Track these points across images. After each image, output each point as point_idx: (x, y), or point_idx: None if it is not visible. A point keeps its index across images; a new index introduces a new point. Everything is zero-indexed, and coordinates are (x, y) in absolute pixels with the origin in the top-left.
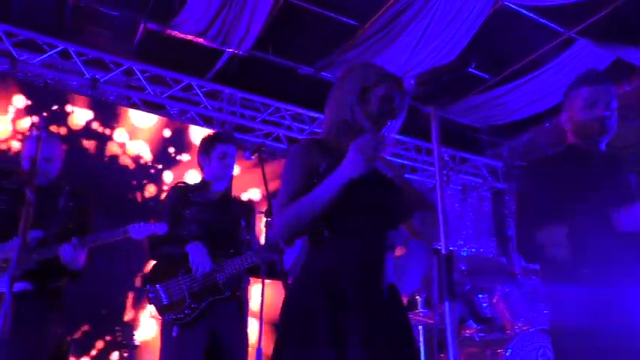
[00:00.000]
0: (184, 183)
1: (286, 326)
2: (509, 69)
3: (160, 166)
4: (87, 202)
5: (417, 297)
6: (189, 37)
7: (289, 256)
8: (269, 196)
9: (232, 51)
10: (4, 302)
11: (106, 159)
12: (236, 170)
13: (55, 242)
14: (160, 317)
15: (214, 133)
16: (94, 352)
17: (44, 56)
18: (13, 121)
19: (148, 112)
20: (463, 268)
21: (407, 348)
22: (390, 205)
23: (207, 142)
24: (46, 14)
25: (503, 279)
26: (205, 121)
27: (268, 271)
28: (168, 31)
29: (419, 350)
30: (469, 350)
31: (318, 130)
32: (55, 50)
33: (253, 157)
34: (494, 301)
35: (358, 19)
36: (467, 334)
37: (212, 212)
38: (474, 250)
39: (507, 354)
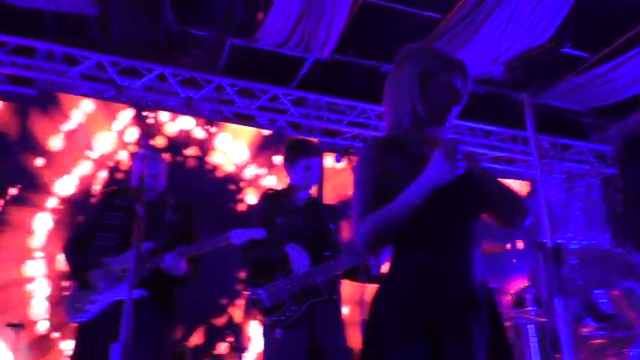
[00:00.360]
0: (273, 189)
1: (377, 327)
2: (611, 44)
3: (259, 173)
4: (190, 213)
5: (525, 294)
6: (273, 49)
7: (385, 258)
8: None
9: (314, 57)
10: (125, 309)
11: (206, 169)
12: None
13: (164, 252)
14: (262, 319)
15: (299, 145)
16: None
17: (144, 80)
18: (120, 139)
19: (240, 124)
20: (574, 261)
21: (501, 343)
22: (470, 198)
23: (291, 152)
24: (142, 42)
25: (622, 272)
26: (294, 128)
27: (363, 274)
28: (253, 45)
29: (512, 347)
30: (588, 349)
31: None
32: (153, 74)
33: (343, 160)
34: (614, 296)
35: (439, 10)
36: (584, 333)
37: (302, 217)
38: (585, 242)
39: (633, 354)
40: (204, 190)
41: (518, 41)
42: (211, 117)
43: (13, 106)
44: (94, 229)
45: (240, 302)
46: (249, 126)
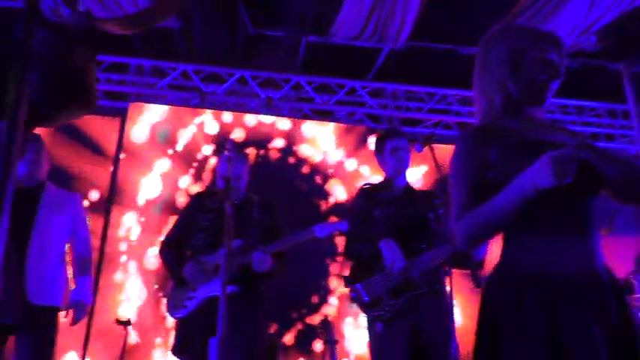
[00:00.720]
0: (370, 184)
1: (489, 319)
2: None
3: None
4: (274, 211)
5: (633, 280)
6: (348, 42)
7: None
8: (444, 185)
9: (390, 47)
10: (220, 304)
11: (290, 163)
12: None
13: (252, 250)
14: (364, 315)
15: (382, 131)
16: (296, 349)
17: (225, 85)
18: (203, 138)
19: (319, 120)
20: None
21: (629, 338)
22: (582, 181)
23: (378, 141)
24: (221, 48)
25: None
26: (372, 120)
27: (461, 261)
28: (328, 40)
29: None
30: None
31: None
32: (233, 78)
33: (424, 149)
34: None
35: None
36: None
37: (398, 208)
38: None
39: None
40: (289, 185)
41: (611, 7)
42: (291, 115)
43: (109, 120)
44: (187, 231)
45: (333, 298)
46: (328, 121)
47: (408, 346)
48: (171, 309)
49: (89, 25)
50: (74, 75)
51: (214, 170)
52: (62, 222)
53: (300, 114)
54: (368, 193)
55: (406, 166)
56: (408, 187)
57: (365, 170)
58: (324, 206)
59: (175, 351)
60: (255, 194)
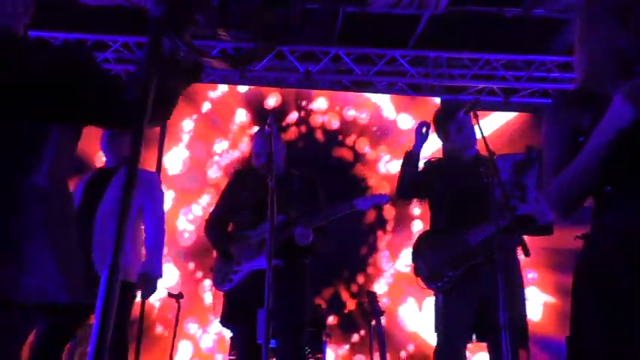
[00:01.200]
0: (435, 157)
1: (584, 291)
2: None
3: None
4: (316, 184)
5: None
6: (386, 11)
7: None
8: (491, 155)
9: (430, 13)
10: (266, 277)
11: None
12: None
13: (294, 224)
14: (426, 287)
15: (441, 112)
16: (343, 321)
17: (264, 61)
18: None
19: (359, 92)
20: None
21: None
22: None
23: (438, 123)
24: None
25: None
26: (414, 90)
27: (525, 226)
28: (366, 10)
29: None
30: None
31: (537, 75)
32: (272, 53)
33: (469, 116)
34: None
35: None
36: None
37: (459, 179)
38: None
39: None
40: (332, 159)
41: None
42: (331, 88)
43: None
44: (230, 208)
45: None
46: (368, 92)
47: (470, 316)
48: (218, 282)
49: (200, 63)
50: (172, 97)
51: (252, 146)
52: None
53: (339, 86)
54: (431, 164)
55: (474, 141)
56: (476, 156)
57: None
58: (370, 179)
59: (223, 322)
60: (297, 168)
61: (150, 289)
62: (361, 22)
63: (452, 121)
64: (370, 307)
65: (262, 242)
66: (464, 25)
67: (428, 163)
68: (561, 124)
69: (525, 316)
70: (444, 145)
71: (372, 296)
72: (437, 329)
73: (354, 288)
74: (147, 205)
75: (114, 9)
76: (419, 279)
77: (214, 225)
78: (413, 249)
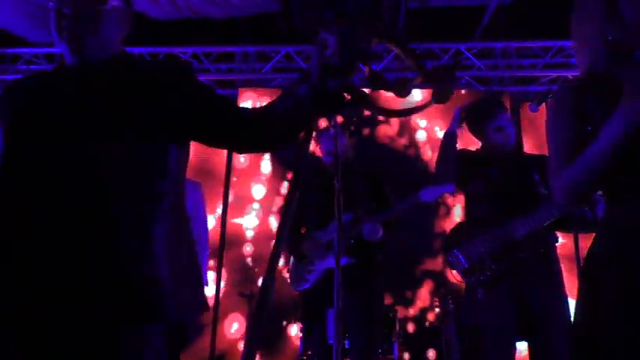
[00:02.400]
0: (469, 151)
1: (594, 280)
2: None
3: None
4: (381, 180)
5: None
6: (449, 4)
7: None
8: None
9: (496, 2)
10: (335, 278)
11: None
12: None
13: (362, 221)
14: (463, 281)
15: (478, 108)
16: (413, 319)
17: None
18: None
19: (424, 87)
20: None
21: None
22: None
23: (473, 121)
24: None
25: None
26: (481, 83)
27: (578, 223)
28: (430, 4)
29: None
30: None
31: None
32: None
33: (539, 108)
34: None
35: None
36: None
37: (500, 171)
38: None
39: None
40: (395, 155)
41: None
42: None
43: None
44: (300, 209)
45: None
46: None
47: (513, 312)
48: (294, 283)
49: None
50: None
51: (321, 145)
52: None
53: None
54: (467, 155)
55: (512, 141)
56: (514, 151)
57: None
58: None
59: (302, 321)
60: (362, 166)
61: None
62: (423, 17)
63: (488, 121)
64: (442, 308)
65: (332, 242)
66: (533, 12)
67: (464, 151)
68: (568, 112)
69: (569, 314)
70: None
71: (444, 297)
72: (476, 324)
73: (425, 285)
74: (191, 213)
75: (182, 21)
76: (454, 271)
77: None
78: (447, 239)
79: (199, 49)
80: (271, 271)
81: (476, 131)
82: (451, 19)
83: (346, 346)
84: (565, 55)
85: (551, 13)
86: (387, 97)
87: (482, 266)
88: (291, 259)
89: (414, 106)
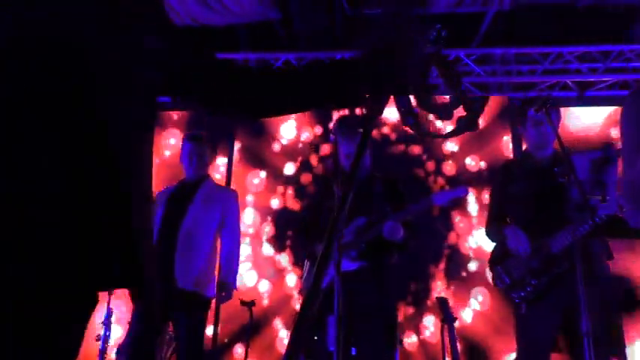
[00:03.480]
0: (510, 160)
1: None
2: None
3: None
4: (397, 185)
5: None
6: (449, 11)
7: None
8: (565, 153)
9: (495, 9)
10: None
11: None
12: None
13: (380, 223)
14: (509, 296)
15: (523, 103)
16: (417, 326)
17: None
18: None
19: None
20: None
21: None
22: None
23: (519, 110)
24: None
25: None
26: (481, 89)
27: (617, 229)
28: (429, 11)
29: None
30: None
31: (615, 65)
32: None
33: (539, 114)
34: None
35: None
36: None
37: (537, 182)
38: None
39: None
40: (408, 162)
41: None
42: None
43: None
44: (317, 213)
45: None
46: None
47: (555, 325)
48: (306, 287)
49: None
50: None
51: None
52: (212, 215)
53: None
54: (506, 169)
55: (550, 140)
56: (553, 157)
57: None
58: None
59: (313, 325)
60: (380, 171)
61: (225, 296)
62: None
63: (522, 120)
64: (441, 313)
65: (345, 244)
66: (532, 19)
67: (503, 168)
68: None
69: (618, 324)
70: (524, 138)
71: (443, 302)
72: (519, 340)
73: (426, 292)
74: (226, 220)
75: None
76: (498, 288)
77: (303, 230)
78: (490, 257)
79: (252, 56)
80: (317, 282)
81: (520, 127)
82: (450, 25)
83: (352, 353)
84: (564, 61)
85: (550, 20)
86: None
87: (522, 282)
88: (306, 263)
89: (447, 132)
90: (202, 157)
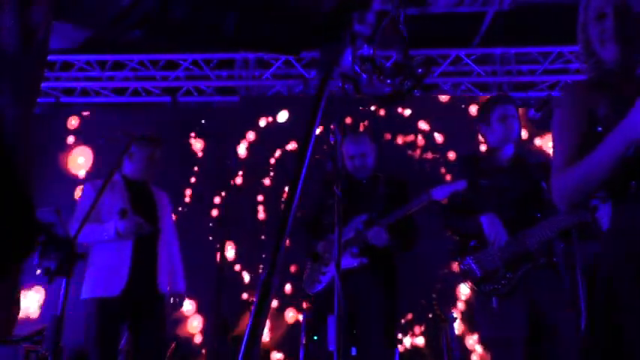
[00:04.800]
0: (473, 153)
1: (594, 291)
2: None
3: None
4: (403, 186)
5: None
6: (448, 10)
7: (603, 214)
8: (532, 154)
9: (495, 9)
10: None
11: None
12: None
13: (377, 222)
14: (475, 289)
15: (489, 99)
16: (417, 326)
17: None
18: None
19: (424, 93)
20: None
21: None
22: None
23: (483, 108)
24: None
25: None
26: (481, 89)
27: (581, 232)
28: (428, 11)
29: None
30: None
31: None
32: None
33: (540, 114)
34: None
35: None
36: None
37: (508, 178)
38: None
39: None
40: (413, 164)
41: None
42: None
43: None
44: (319, 211)
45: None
46: (433, 94)
47: (527, 320)
48: (308, 285)
49: None
50: None
51: (344, 149)
52: (168, 216)
53: None
54: (471, 160)
55: (515, 135)
56: (518, 156)
57: None
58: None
59: (314, 321)
60: (384, 172)
61: (179, 304)
62: (422, 24)
63: (497, 107)
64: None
65: (345, 243)
66: (532, 19)
67: (465, 159)
68: (577, 113)
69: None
70: (486, 140)
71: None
72: (490, 334)
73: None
74: (168, 221)
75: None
76: (468, 281)
77: (303, 227)
78: (458, 248)
79: (199, 56)
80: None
81: (482, 123)
82: (450, 25)
83: (352, 353)
84: (564, 61)
85: (550, 19)
86: None
87: (496, 275)
88: (308, 261)
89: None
90: (153, 159)
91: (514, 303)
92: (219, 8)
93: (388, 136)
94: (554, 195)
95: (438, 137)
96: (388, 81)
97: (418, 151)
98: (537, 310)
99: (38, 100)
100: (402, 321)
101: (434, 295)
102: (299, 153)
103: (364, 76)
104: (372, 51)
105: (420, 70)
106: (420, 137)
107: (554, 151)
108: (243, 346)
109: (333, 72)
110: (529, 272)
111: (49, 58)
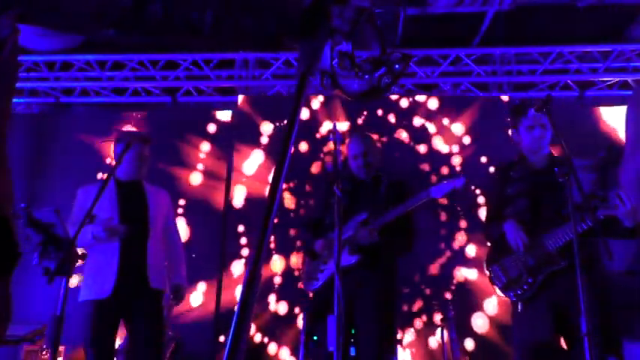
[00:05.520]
0: (504, 163)
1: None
2: None
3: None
4: (404, 188)
5: None
6: (448, 10)
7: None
8: (567, 153)
9: (495, 9)
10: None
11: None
12: None
13: (371, 222)
14: (504, 295)
15: (516, 106)
16: (416, 324)
17: None
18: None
19: (422, 94)
20: None
21: None
22: None
23: (512, 114)
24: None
25: None
26: (481, 89)
27: (610, 230)
28: (428, 11)
29: None
30: None
31: (615, 65)
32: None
33: (540, 114)
34: None
35: None
36: None
37: (532, 184)
38: None
39: None
40: (415, 166)
41: None
42: (395, 92)
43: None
44: (321, 211)
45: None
46: (433, 95)
47: (550, 324)
48: (306, 283)
49: None
50: None
51: (348, 148)
52: (162, 214)
53: (403, 90)
54: (502, 171)
55: (545, 143)
56: (548, 160)
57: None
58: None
59: (312, 320)
60: (387, 173)
61: (181, 297)
62: (422, 24)
63: (523, 117)
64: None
65: (345, 240)
66: (532, 19)
67: (498, 171)
68: None
69: (614, 323)
70: (516, 142)
71: (445, 301)
72: (517, 338)
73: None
74: (166, 218)
75: None
76: (495, 287)
77: (308, 225)
78: (487, 256)
79: (199, 56)
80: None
81: (513, 130)
82: (450, 25)
83: (351, 354)
84: (564, 61)
85: (550, 20)
86: None
87: (519, 280)
88: (306, 259)
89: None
90: (144, 158)
91: (537, 307)
92: (197, 4)
93: (396, 135)
94: (622, 179)
95: (440, 138)
96: (366, 77)
97: (421, 151)
98: (562, 312)
99: (38, 100)
100: (402, 321)
101: (428, 294)
102: (281, 151)
103: (342, 72)
104: (350, 47)
105: (397, 67)
106: (424, 137)
107: (625, 139)
108: (230, 337)
109: (313, 67)
110: (550, 276)
111: (49, 58)
